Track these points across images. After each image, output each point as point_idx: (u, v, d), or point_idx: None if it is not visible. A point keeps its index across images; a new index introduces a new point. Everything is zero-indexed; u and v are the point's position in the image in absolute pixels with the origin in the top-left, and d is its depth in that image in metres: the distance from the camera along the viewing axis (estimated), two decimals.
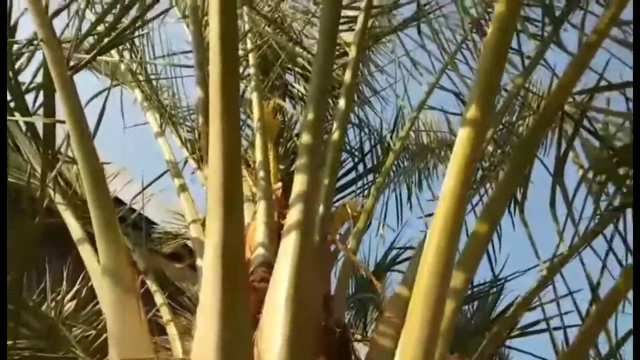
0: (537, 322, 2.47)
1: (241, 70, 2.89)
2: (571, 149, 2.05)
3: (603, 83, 1.87)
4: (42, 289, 2.61)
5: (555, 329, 1.99)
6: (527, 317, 2.49)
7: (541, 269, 1.96)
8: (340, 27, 2.15)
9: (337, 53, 2.82)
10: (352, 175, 3.30)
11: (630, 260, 1.83)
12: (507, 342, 2.61)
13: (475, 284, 2.89)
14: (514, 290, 2.80)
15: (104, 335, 2.42)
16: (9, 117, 1.98)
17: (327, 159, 1.95)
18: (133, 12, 2.12)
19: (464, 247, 1.44)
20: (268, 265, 1.77)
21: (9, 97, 1.98)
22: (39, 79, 1.99)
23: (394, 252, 3.28)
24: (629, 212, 1.92)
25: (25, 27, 1.93)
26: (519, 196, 2.33)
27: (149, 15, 2.23)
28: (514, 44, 2.10)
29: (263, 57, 3.00)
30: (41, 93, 1.99)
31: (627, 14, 1.66)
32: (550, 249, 1.97)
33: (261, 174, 2.30)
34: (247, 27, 2.88)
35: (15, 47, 1.98)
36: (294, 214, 1.44)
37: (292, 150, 3.18)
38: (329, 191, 1.91)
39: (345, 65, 2.26)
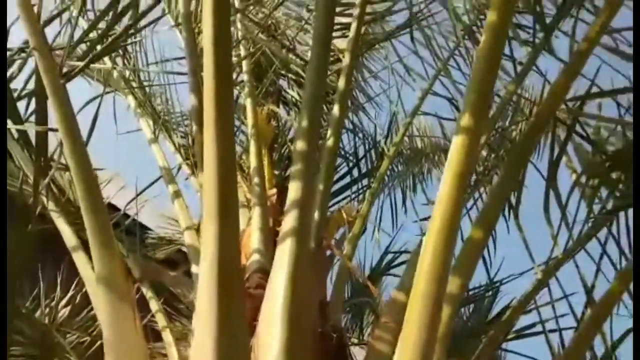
0: (533, 325, 2.48)
1: (235, 76, 2.89)
2: (564, 153, 2.07)
3: (594, 89, 1.89)
4: (36, 295, 2.59)
5: (551, 331, 2.00)
6: (523, 320, 2.51)
7: (536, 272, 1.97)
8: (334, 34, 2.16)
9: (330, 59, 2.83)
10: (347, 179, 3.31)
11: (624, 263, 1.85)
12: (503, 345, 2.62)
13: (471, 287, 2.90)
14: (509, 293, 2.82)
15: (99, 342, 2.41)
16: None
17: (322, 165, 1.96)
18: (125, 19, 2.12)
19: (459, 252, 1.44)
20: (263, 271, 1.77)
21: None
22: (31, 85, 1.99)
23: (389, 256, 3.29)
24: (622, 216, 1.94)
25: (17, 34, 1.93)
26: (513, 200, 2.35)
27: (142, 22, 2.23)
28: (506, 51, 2.12)
29: (256, 64, 3.00)
30: (33, 100, 1.99)
31: (617, 21, 1.68)
32: (545, 250, 1.99)
33: (256, 179, 2.30)
34: (240, 34, 2.88)
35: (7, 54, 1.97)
36: (289, 221, 1.45)
37: (286, 155, 3.18)
38: (324, 197, 1.91)
39: (339, 71, 2.27)
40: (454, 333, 1.66)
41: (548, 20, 1.97)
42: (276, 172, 2.91)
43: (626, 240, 1.91)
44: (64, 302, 2.66)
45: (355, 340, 3.31)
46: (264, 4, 3.16)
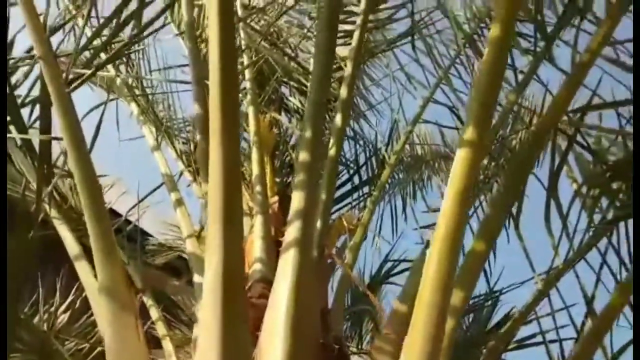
0: (533, 336, 2.48)
1: None
2: (565, 163, 2.07)
3: (595, 99, 1.90)
4: (35, 301, 2.58)
5: (551, 341, 2.01)
6: (524, 331, 2.50)
7: (536, 281, 1.97)
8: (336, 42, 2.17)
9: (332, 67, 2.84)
10: (348, 187, 3.31)
11: (624, 273, 1.85)
12: (504, 355, 2.61)
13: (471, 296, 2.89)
14: (509, 302, 2.82)
15: (98, 349, 2.40)
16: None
17: (324, 174, 1.96)
18: (129, 27, 2.13)
19: (461, 265, 1.45)
20: (266, 281, 1.77)
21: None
22: (35, 92, 2.00)
23: (389, 264, 3.29)
24: (622, 226, 1.94)
25: (21, 41, 1.94)
26: (514, 210, 2.35)
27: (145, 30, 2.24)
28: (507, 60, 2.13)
29: (259, 72, 3.01)
30: (37, 106, 1.99)
31: (619, 31, 1.69)
32: (545, 259, 1.99)
33: (258, 187, 2.30)
34: (243, 42, 2.90)
35: (11, 62, 1.98)
36: (292, 231, 1.45)
37: (288, 163, 3.19)
38: (326, 206, 1.91)
39: (341, 79, 2.28)
40: (455, 343, 1.66)
41: (549, 29, 1.98)
42: (278, 180, 2.92)
43: (626, 251, 1.91)
44: (62, 308, 2.65)
45: (354, 349, 3.30)
46: (267, 12, 3.18)
